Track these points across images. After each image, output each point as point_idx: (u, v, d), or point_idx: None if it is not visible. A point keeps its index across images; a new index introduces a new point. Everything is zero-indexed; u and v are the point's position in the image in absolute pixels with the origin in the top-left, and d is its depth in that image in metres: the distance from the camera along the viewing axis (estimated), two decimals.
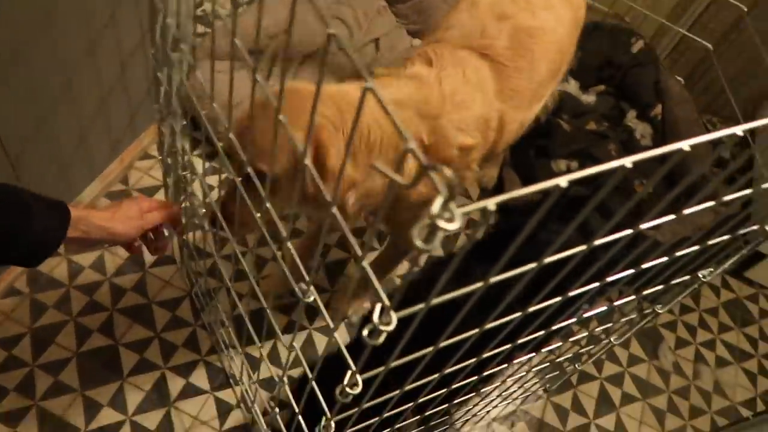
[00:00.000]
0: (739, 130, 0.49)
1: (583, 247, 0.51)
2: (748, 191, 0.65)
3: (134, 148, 1.62)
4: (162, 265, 1.50)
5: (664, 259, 0.74)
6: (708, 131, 1.91)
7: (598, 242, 0.53)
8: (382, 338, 0.43)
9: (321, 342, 1.49)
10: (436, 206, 0.31)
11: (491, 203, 0.34)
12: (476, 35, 1.18)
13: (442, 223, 0.31)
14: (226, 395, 1.37)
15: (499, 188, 1.87)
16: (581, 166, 1.80)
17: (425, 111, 1.02)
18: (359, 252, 0.43)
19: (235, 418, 1.34)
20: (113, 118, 1.46)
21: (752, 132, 1.90)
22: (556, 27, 1.24)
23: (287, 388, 0.68)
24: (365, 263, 0.45)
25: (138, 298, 1.44)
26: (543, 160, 1.84)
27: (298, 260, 0.60)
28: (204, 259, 1.40)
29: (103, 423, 1.27)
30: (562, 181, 0.39)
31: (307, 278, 0.57)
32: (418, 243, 0.33)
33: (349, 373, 0.51)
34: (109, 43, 1.29)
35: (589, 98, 1.98)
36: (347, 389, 0.50)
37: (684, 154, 0.45)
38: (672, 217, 0.59)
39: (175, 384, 1.35)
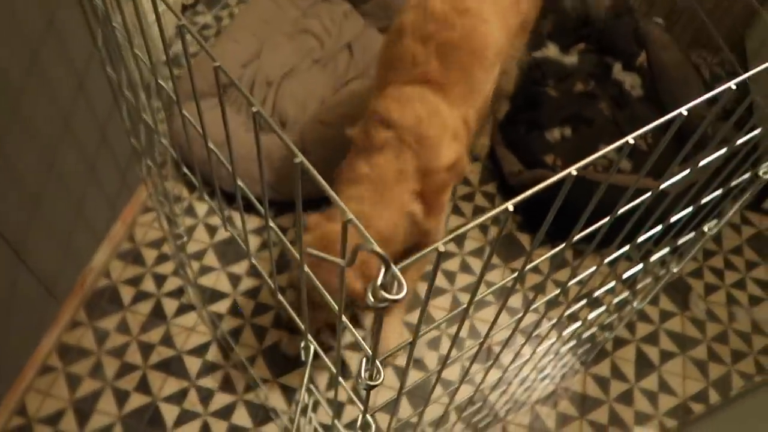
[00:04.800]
0: (732, 84, 0.50)
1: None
2: (756, 131, 0.64)
3: (133, 204, 1.63)
4: (182, 315, 1.51)
5: (689, 210, 0.75)
6: (697, 70, 1.87)
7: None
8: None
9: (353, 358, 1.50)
10: (379, 278, 0.34)
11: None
12: (409, 66, 1.26)
13: (387, 296, 0.34)
14: (270, 429, 1.38)
15: (495, 163, 1.85)
16: (575, 131, 1.77)
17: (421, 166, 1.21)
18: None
19: None
20: (106, 182, 1.47)
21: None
22: (477, 26, 1.28)
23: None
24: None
25: (167, 351, 1.46)
26: (536, 132, 1.81)
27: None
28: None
29: None
30: (572, 170, 0.43)
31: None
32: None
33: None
34: (83, 112, 1.30)
35: (571, 59, 1.95)
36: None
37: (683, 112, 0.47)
38: (687, 171, 0.60)
39: (219, 428, 1.37)
